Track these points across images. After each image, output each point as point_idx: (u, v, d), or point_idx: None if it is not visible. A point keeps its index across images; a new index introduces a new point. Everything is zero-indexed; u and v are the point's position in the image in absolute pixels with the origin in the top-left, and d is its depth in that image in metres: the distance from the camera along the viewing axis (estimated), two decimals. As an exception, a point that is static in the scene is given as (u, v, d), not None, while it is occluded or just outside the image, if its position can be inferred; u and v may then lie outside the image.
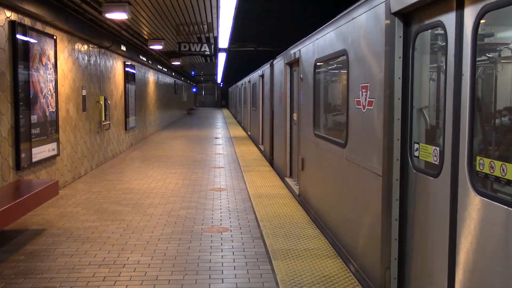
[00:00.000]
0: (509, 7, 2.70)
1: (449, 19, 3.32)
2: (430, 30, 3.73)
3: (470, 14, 3.04)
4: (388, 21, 4.11)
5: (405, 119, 4.04)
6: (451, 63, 3.27)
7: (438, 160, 3.50)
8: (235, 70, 45.09)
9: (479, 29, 2.98)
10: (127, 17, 9.85)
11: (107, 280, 4.88)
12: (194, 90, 62.64)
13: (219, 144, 17.71)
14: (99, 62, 12.22)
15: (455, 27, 3.23)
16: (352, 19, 5.18)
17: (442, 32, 3.42)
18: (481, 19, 2.94)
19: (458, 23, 3.20)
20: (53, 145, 8.77)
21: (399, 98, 4.06)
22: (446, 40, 3.35)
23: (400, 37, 4.03)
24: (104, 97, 12.40)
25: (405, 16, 4.01)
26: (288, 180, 9.87)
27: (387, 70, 4.13)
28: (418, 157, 3.85)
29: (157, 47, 15.54)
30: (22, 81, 7.43)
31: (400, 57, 4.03)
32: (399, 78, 4.04)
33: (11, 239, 6.18)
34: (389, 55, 4.09)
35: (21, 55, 7.42)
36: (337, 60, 6.13)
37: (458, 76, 3.18)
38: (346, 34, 5.44)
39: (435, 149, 3.56)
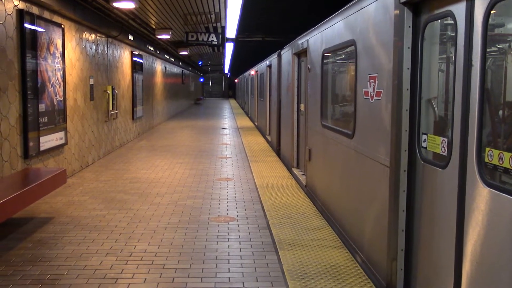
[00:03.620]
0: None
1: (459, 9, 3.28)
2: (439, 20, 3.70)
3: (480, 4, 3.00)
4: (397, 11, 4.07)
5: (413, 110, 4.02)
6: (460, 54, 3.24)
7: (446, 151, 3.48)
8: (243, 61, 44.99)
9: (490, 19, 2.94)
10: (134, 6, 9.84)
11: (114, 268, 4.92)
12: (202, 80, 62.61)
13: (226, 134, 17.72)
14: (106, 52, 12.23)
15: (465, 17, 3.20)
16: (361, 9, 5.14)
17: (452, 22, 3.38)
18: (492, 9, 2.91)
19: (468, 13, 3.16)
20: (61, 134, 8.81)
21: (407, 89, 4.03)
22: (456, 30, 3.32)
23: (410, 27, 3.99)
24: (112, 87, 12.42)
25: (415, 5, 3.97)
26: (295, 170, 9.87)
27: (395, 61, 4.10)
28: (426, 148, 3.83)
29: (165, 36, 15.52)
30: (30, 70, 7.45)
31: (409, 47, 4.00)
32: (408, 68, 4.01)
33: (19, 226, 6.23)
34: (398, 46, 4.06)
35: (29, 44, 7.43)
36: (345, 50, 6.09)
37: (468, 67, 3.15)
38: (355, 24, 5.40)
39: (443, 140, 3.54)
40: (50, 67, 8.26)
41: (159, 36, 15.50)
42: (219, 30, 16.10)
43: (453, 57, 3.38)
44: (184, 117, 27.47)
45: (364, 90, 4.97)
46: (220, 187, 8.68)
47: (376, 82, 4.60)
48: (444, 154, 3.51)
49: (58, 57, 8.66)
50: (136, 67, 15.89)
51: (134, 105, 15.58)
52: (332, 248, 5.48)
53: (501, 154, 2.78)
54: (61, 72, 8.80)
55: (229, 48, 25.21)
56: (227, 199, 7.80)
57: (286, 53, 11.08)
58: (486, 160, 2.92)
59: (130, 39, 13.85)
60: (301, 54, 9.50)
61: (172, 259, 5.18)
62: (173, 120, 24.53)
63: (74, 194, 8.05)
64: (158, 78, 21.64)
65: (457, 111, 3.29)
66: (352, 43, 5.46)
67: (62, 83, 8.82)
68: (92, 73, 10.91)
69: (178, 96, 31.10)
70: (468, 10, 3.18)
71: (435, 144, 3.69)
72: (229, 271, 4.86)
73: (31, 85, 7.49)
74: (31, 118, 7.49)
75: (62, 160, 9.04)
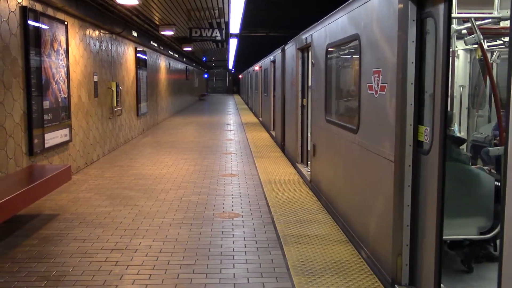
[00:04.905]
0: None
1: (440, 10, 3.45)
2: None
3: None
4: (401, 5, 4.04)
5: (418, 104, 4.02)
6: (440, 50, 3.51)
7: (428, 139, 3.78)
8: (247, 56, 44.93)
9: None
10: (137, 2, 9.82)
11: (119, 264, 4.93)
12: (206, 76, 62.55)
13: (231, 130, 17.71)
14: (110, 48, 12.22)
15: (442, 18, 3.43)
16: (365, 3, 5.10)
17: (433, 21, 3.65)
18: None
19: (445, 13, 3.42)
20: (66, 131, 8.82)
21: (412, 83, 4.01)
22: (436, 29, 3.60)
23: (414, 20, 3.96)
24: (116, 83, 12.42)
25: None
26: (299, 166, 9.85)
27: (400, 55, 4.07)
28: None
29: (168, 32, 15.50)
30: (34, 67, 7.45)
31: (413, 41, 3.97)
32: (412, 62, 3.99)
33: (24, 223, 6.25)
34: (402, 39, 4.03)
35: (33, 41, 7.43)
36: (349, 45, 6.06)
37: (446, 62, 3.44)
38: (359, 18, 5.36)
39: (426, 128, 3.84)
40: (54, 64, 8.27)
41: (162, 32, 15.47)
42: (223, 26, 16.06)
43: (434, 53, 3.68)
44: (188, 113, 27.47)
45: (368, 84, 4.95)
46: (225, 183, 8.67)
47: (380, 76, 4.57)
48: (427, 141, 3.81)
49: (62, 54, 8.66)
50: (140, 64, 15.88)
51: (138, 101, 15.58)
52: (337, 244, 5.47)
53: None
54: (65, 69, 8.80)
55: (233, 43, 25.16)
56: (232, 195, 7.79)
57: (290, 48, 11.04)
58: None
59: (133, 36, 13.84)
60: (305, 49, 9.47)
61: (177, 255, 5.18)
62: (177, 116, 24.54)
63: (79, 191, 8.07)
64: (162, 74, 21.63)
65: (437, 102, 3.59)
66: (356, 37, 5.42)
67: (66, 80, 8.83)
68: (96, 70, 10.91)
69: (182, 92, 31.09)
70: (446, 11, 3.44)
71: (419, 133, 3.97)
72: (234, 267, 4.86)
73: (35, 82, 7.49)
74: (35, 115, 7.49)
75: (67, 157, 9.06)
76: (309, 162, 9.38)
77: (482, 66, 8.70)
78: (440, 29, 3.56)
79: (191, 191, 8.01)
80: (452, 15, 4.74)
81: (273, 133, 15.56)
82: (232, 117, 24.53)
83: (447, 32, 3.51)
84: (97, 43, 11.07)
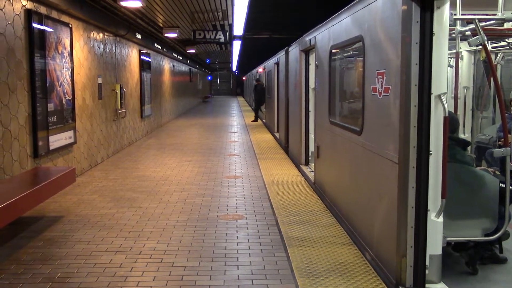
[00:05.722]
0: None
1: (425, 17, 3.56)
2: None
3: None
4: (405, 6, 4.04)
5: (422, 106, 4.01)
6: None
7: None
8: (250, 58, 44.94)
9: None
10: (141, 5, 9.86)
11: (123, 266, 4.93)
12: (209, 78, 62.61)
13: (234, 132, 17.72)
14: (114, 50, 12.26)
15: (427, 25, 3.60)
16: (368, 4, 5.11)
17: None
18: None
19: (428, 20, 3.58)
20: (70, 133, 8.85)
21: (415, 85, 4.01)
22: (423, 33, 3.88)
23: (417, 22, 3.96)
24: (120, 85, 12.46)
25: (422, 0, 3.94)
26: (303, 167, 9.85)
27: (403, 56, 4.07)
28: None
29: (172, 35, 15.54)
30: (38, 70, 7.48)
31: (417, 43, 3.97)
32: (416, 64, 3.99)
33: (29, 225, 6.27)
34: (406, 41, 4.03)
35: (37, 44, 7.46)
36: (353, 46, 6.07)
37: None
38: (362, 20, 5.37)
39: None
40: (59, 66, 8.30)
41: (166, 35, 15.51)
42: (226, 28, 16.10)
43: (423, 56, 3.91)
44: (192, 115, 27.50)
45: (372, 86, 4.95)
46: (229, 184, 8.68)
47: (384, 78, 4.57)
48: None
49: (66, 57, 8.69)
50: (144, 66, 15.92)
51: (142, 103, 15.61)
52: (341, 245, 5.46)
53: None
54: (70, 71, 8.84)
55: (237, 45, 25.17)
56: (236, 196, 7.80)
57: (294, 50, 11.05)
58: None
59: (137, 38, 13.88)
60: (309, 50, 9.47)
61: (181, 257, 5.19)
62: (181, 118, 24.57)
63: (83, 192, 8.09)
64: (166, 77, 21.67)
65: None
66: (359, 39, 5.43)
67: (70, 82, 8.86)
68: (100, 72, 10.94)
69: (186, 94, 31.13)
70: (428, 19, 3.76)
71: None
72: (238, 269, 4.86)
73: (40, 85, 7.52)
74: (40, 118, 7.52)
75: (71, 159, 9.09)
76: (311, 164, 9.38)
77: (486, 67, 8.69)
78: (425, 35, 3.84)
79: (195, 193, 8.02)
80: (455, 16, 4.75)
81: (277, 135, 15.56)
82: (236, 119, 24.55)
83: (430, 39, 3.83)
84: (101, 46, 11.11)
